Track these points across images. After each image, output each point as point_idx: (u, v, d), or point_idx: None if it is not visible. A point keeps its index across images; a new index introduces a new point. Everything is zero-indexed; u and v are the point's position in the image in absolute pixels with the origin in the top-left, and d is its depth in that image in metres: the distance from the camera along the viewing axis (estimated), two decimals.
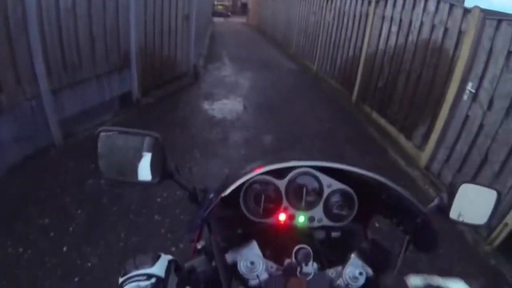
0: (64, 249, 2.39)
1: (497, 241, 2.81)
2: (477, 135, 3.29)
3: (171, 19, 6.01)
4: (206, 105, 5.87)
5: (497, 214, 0.90)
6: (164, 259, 0.73)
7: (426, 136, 4.25)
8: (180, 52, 6.62)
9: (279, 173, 0.93)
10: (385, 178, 0.87)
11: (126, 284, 0.66)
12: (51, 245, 2.41)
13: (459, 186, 0.88)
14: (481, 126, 3.23)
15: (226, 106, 5.95)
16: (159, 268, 0.69)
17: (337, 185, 0.94)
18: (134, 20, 4.69)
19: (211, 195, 0.87)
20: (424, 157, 4.23)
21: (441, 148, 3.92)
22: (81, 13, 3.66)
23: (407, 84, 4.85)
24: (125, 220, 2.75)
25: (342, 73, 7.62)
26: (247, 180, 0.90)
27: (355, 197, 0.95)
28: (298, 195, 0.93)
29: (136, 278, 0.67)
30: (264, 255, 0.82)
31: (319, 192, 0.94)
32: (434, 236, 0.84)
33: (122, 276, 0.68)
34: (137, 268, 0.69)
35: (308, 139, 5.01)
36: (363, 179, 0.89)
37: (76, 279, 2.17)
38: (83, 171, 3.19)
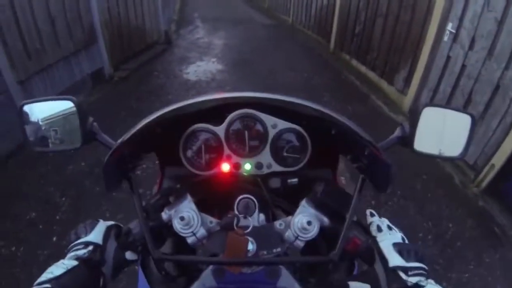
0: (54, 239, 2.39)
1: (484, 183, 2.85)
2: (459, 76, 3.25)
3: None
4: (180, 70, 5.78)
5: (471, 142, 0.78)
6: (102, 225, 0.73)
7: (408, 80, 4.23)
8: (149, 20, 6.34)
9: (218, 120, 0.83)
10: (331, 109, 0.76)
11: (66, 254, 0.67)
12: (41, 238, 2.40)
13: (422, 110, 0.76)
14: (463, 67, 3.19)
15: (200, 68, 5.88)
16: (96, 235, 0.69)
17: (283, 124, 0.82)
18: None
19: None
20: (407, 101, 4.23)
21: (423, 90, 3.91)
22: None
23: (385, 28, 4.77)
24: (108, 200, 2.73)
25: (318, 22, 7.49)
26: (185, 131, 0.82)
27: (306, 135, 0.84)
28: (240, 141, 0.83)
29: (75, 247, 0.67)
30: (206, 210, 0.75)
31: (263, 134, 0.83)
32: (387, 170, 0.72)
33: (66, 248, 0.69)
34: (77, 238, 0.69)
35: (286, 91, 4.93)
36: (310, 116, 0.77)
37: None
38: (62, 158, 3.15)
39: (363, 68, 5.54)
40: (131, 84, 5.04)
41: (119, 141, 0.73)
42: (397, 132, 0.81)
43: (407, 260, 0.64)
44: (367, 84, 5.19)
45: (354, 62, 5.85)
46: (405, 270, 0.63)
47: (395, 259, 0.65)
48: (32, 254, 2.27)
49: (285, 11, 9.71)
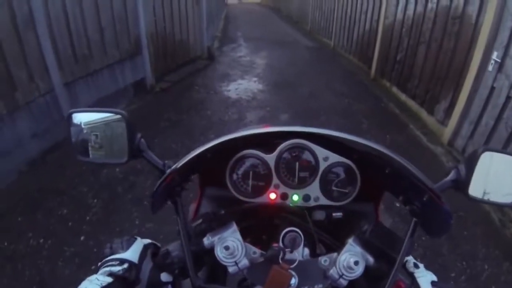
0: (82, 238, 2.45)
1: None
2: (503, 107, 3.09)
3: (181, 2, 5.95)
4: (221, 87, 5.85)
5: None
6: (139, 243, 0.71)
7: (449, 110, 4.06)
8: (193, 35, 6.58)
9: (269, 147, 0.81)
10: (387, 148, 0.73)
11: (100, 269, 0.65)
12: (69, 235, 2.47)
13: (481, 154, 0.71)
14: (508, 98, 3.03)
15: (241, 86, 5.93)
16: (132, 253, 0.68)
17: (334, 158, 0.80)
18: (142, 6, 4.64)
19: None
20: (447, 132, 4.05)
21: (465, 122, 3.74)
22: (87, 2, 3.63)
23: (427, 56, 4.65)
24: (139, 207, 2.78)
25: (359, 47, 7.46)
26: (234, 157, 0.81)
27: (356, 171, 0.81)
28: (290, 171, 0.81)
29: (110, 263, 0.65)
30: (248, 240, 0.73)
31: (314, 166, 0.80)
32: (445, 217, 0.68)
33: (99, 261, 0.67)
34: (112, 253, 0.68)
35: (326, 115, 4.93)
36: (364, 152, 0.75)
37: (93, 267, 2.20)
38: (91, 164, 3.24)
39: (403, 96, 5.42)
40: (171, 96, 5.17)
41: (173, 167, 0.73)
42: (452, 175, 0.76)
43: None
44: (406, 113, 5.06)
45: (395, 90, 5.74)
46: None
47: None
48: (59, 249, 2.34)
49: (327, 34, 9.76)
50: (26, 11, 2.85)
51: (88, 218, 2.64)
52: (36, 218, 2.57)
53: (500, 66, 3.16)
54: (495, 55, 3.20)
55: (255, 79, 6.37)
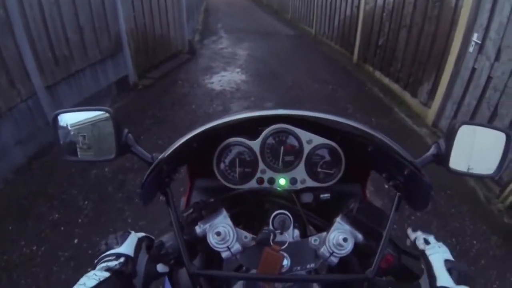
0: (75, 241, 2.44)
1: (510, 199, 2.74)
2: (485, 88, 3.16)
3: None
4: (204, 80, 5.83)
5: (507, 162, 0.76)
6: (134, 237, 0.73)
7: (432, 92, 4.15)
8: (173, 30, 6.49)
9: (253, 134, 0.83)
10: (368, 126, 0.75)
11: (97, 265, 0.67)
12: (62, 239, 2.45)
13: (458, 128, 0.74)
14: (489, 79, 3.10)
15: (224, 78, 5.92)
16: (127, 247, 0.69)
17: (318, 140, 0.83)
18: (120, 1, 4.55)
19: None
20: (431, 113, 4.14)
21: (448, 103, 3.82)
22: (65, 2, 3.53)
23: (409, 40, 4.70)
24: (131, 206, 2.78)
25: (341, 34, 7.47)
26: (220, 145, 0.83)
27: (340, 151, 0.84)
28: (275, 156, 0.84)
29: (106, 258, 0.67)
30: (240, 226, 0.75)
31: (298, 149, 0.84)
32: (426, 190, 0.71)
33: (96, 258, 0.69)
34: (108, 248, 0.69)
35: (311, 102, 4.97)
36: (346, 132, 0.78)
37: (89, 269, 2.19)
38: (79, 163, 3.22)
39: (386, 80, 5.48)
40: (155, 93, 5.12)
41: (160, 157, 0.74)
42: (432, 150, 0.79)
43: (456, 282, 0.62)
44: (390, 96, 5.13)
45: (378, 74, 5.79)
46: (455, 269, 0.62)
47: (443, 278, 0.63)
48: (53, 255, 2.32)
49: (308, 22, 9.74)
50: (1, 14, 2.77)
51: (80, 220, 2.62)
52: (27, 226, 2.54)
53: (481, 48, 3.23)
54: (475, 37, 3.27)
55: (237, 70, 6.36)
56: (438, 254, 0.67)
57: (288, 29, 10.41)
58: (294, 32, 9.93)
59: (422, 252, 0.70)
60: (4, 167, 2.92)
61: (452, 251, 0.70)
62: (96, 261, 0.68)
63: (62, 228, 2.55)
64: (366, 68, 6.23)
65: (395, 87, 5.18)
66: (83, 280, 0.61)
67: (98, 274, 0.63)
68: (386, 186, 2.85)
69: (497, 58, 3.00)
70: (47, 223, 2.58)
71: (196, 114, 4.45)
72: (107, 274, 0.63)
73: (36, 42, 3.16)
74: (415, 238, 0.74)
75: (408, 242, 0.78)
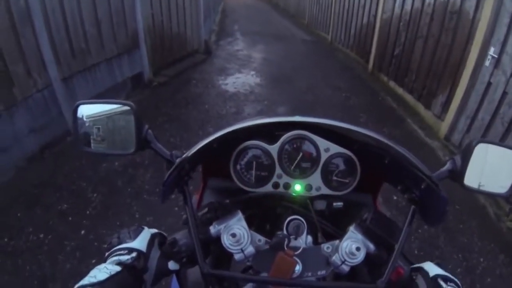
0: (82, 232, 2.47)
1: None
2: (500, 103, 3.12)
3: None
4: (218, 81, 5.85)
5: None
6: (147, 232, 0.72)
7: (446, 105, 4.09)
8: (190, 29, 6.54)
9: (271, 139, 0.84)
10: (387, 138, 0.76)
11: (108, 258, 0.66)
12: (70, 229, 2.48)
13: (475, 145, 0.74)
14: (504, 94, 3.06)
15: (239, 80, 5.93)
16: (140, 242, 0.69)
17: (335, 149, 0.84)
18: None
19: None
20: (443, 127, 4.09)
21: (461, 117, 3.77)
22: None
23: (425, 51, 4.67)
24: (139, 201, 2.81)
25: (357, 41, 7.45)
26: (238, 147, 0.84)
27: (356, 161, 0.85)
28: (292, 162, 0.85)
29: (118, 252, 0.66)
30: (253, 228, 0.75)
31: (316, 157, 0.84)
32: (442, 205, 0.70)
33: (107, 251, 0.68)
34: (120, 242, 0.69)
35: (323, 109, 4.96)
36: (364, 142, 0.79)
37: (93, 261, 2.22)
38: (97, 155, 3.24)
39: (400, 90, 5.44)
40: (169, 90, 5.15)
41: (184, 156, 0.74)
42: (448, 166, 0.79)
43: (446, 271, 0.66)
44: (403, 107, 5.09)
45: (392, 84, 5.76)
46: (445, 279, 0.64)
47: (434, 269, 0.66)
48: (59, 244, 2.35)
49: (324, 28, 9.74)
50: (22, 5, 2.82)
51: (88, 212, 2.65)
52: (35, 214, 2.58)
53: (497, 62, 3.18)
54: (492, 51, 3.23)
55: (252, 72, 6.37)
56: (430, 265, 0.70)
57: (304, 34, 10.41)
58: (310, 38, 9.93)
59: (419, 267, 0.70)
60: (17, 155, 2.97)
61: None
62: (107, 254, 0.68)
63: (70, 218, 2.58)
64: (381, 77, 6.20)
65: (409, 98, 5.14)
66: (93, 272, 0.61)
67: (109, 268, 0.62)
68: (395, 198, 2.83)
69: None
70: (55, 213, 2.61)
71: (209, 114, 4.47)
72: (118, 268, 0.62)
73: (54, 34, 3.21)
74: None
75: None
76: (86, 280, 0.59)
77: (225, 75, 6.11)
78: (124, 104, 0.79)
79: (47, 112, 3.26)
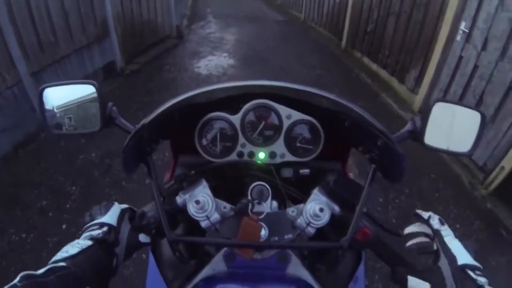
0: (64, 226, 2.45)
1: (493, 185, 2.81)
2: (471, 76, 3.20)
3: None
4: (191, 64, 5.81)
5: (481, 140, 0.78)
6: (117, 207, 0.74)
7: (419, 79, 4.19)
8: (161, 14, 6.38)
9: (234, 109, 0.85)
10: (345, 99, 0.77)
11: (81, 235, 0.68)
12: (51, 225, 2.46)
13: (433, 105, 0.77)
14: (475, 67, 3.14)
15: (211, 63, 5.89)
16: (110, 217, 0.71)
17: (297, 115, 0.85)
18: None
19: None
20: (417, 100, 4.19)
21: (434, 90, 3.86)
22: None
23: (398, 27, 4.72)
24: (117, 189, 2.80)
25: (330, 19, 7.46)
26: (202, 119, 0.85)
27: (319, 127, 0.86)
28: (255, 130, 0.86)
29: (90, 228, 0.68)
30: (219, 196, 0.76)
31: (278, 124, 0.86)
32: (399, 161, 0.71)
33: (81, 229, 0.70)
34: (92, 219, 0.70)
35: None
36: (324, 108, 0.79)
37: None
38: (73, 148, 3.23)
39: (374, 66, 5.51)
40: (142, 78, 5.07)
41: (141, 123, 0.73)
42: (408, 126, 0.81)
43: (474, 259, 0.63)
44: (378, 82, 5.16)
45: (366, 60, 5.82)
46: (473, 269, 0.61)
47: (463, 256, 0.63)
48: (42, 241, 2.33)
49: (297, 7, 9.68)
50: None
51: (68, 206, 2.63)
52: (15, 214, 2.53)
53: (468, 36, 3.25)
54: (463, 26, 3.29)
55: (225, 54, 6.33)
56: (452, 235, 0.69)
57: (278, 14, 10.33)
58: (283, 18, 9.87)
59: (437, 232, 0.70)
60: None
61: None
62: (81, 232, 0.69)
63: (50, 214, 2.55)
64: (354, 54, 6.25)
65: (383, 73, 5.22)
66: (66, 248, 0.63)
67: (81, 243, 0.64)
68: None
69: (484, 47, 3.03)
70: (35, 210, 2.57)
71: None
72: (90, 243, 0.64)
73: (20, 29, 3.07)
74: (429, 217, 0.74)
75: (415, 222, 0.78)
76: (58, 256, 0.61)
77: (198, 58, 6.06)
78: (87, 83, 0.80)
79: (19, 109, 3.15)
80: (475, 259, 0.63)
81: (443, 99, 0.78)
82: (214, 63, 5.88)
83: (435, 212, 0.76)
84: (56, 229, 2.42)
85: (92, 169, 3.02)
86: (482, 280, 0.58)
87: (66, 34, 3.79)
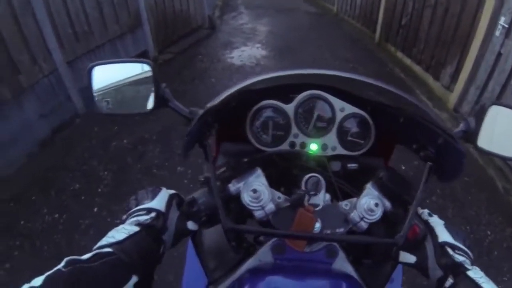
0: (95, 209, 2.54)
1: None
2: (510, 73, 3.04)
3: None
4: (224, 55, 5.82)
5: None
6: (165, 193, 0.72)
7: (455, 76, 4.02)
8: (193, 5, 6.43)
9: (286, 99, 0.84)
10: (405, 93, 0.74)
11: (126, 220, 0.66)
12: (83, 208, 2.55)
13: (489, 107, 0.74)
14: None
15: (244, 53, 5.89)
16: (159, 202, 0.68)
17: (350, 109, 0.84)
18: None
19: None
20: (452, 98, 4.03)
21: (471, 88, 3.70)
22: None
23: (433, 20, 4.55)
24: (149, 176, 2.87)
25: (363, 12, 7.29)
26: (253, 107, 0.83)
27: (371, 122, 0.85)
28: (308, 121, 0.85)
29: (137, 213, 0.66)
30: (272, 186, 0.74)
31: (331, 117, 0.84)
32: (459, 158, 0.70)
33: (126, 213, 0.68)
34: (138, 204, 0.68)
35: None
36: (378, 102, 0.79)
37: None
38: (107, 134, 3.34)
39: (408, 61, 5.35)
40: (175, 67, 5.12)
41: (208, 107, 0.73)
42: (462, 126, 0.78)
43: (454, 239, 0.66)
44: (412, 78, 5.00)
45: (400, 55, 5.65)
46: (453, 247, 0.65)
47: (444, 236, 0.67)
48: (74, 223, 2.43)
49: (330, 0, 9.50)
50: None
51: (99, 190, 2.72)
52: (49, 196, 2.65)
53: (508, 32, 3.09)
54: (502, 21, 3.12)
55: (257, 45, 6.31)
56: (439, 221, 0.72)
57: (309, 6, 10.16)
58: (315, 10, 9.71)
59: (426, 221, 0.73)
60: (28, 141, 3.01)
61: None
62: (125, 216, 0.67)
63: (82, 198, 2.65)
64: (388, 48, 6.08)
65: (417, 68, 5.05)
66: (112, 233, 0.60)
67: (127, 228, 0.62)
68: (403, 168, 2.85)
69: None
70: (69, 193, 2.68)
71: (216, 88, 4.44)
72: (136, 228, 0.62)
73: (56, 20, 3.19)
74: (421, 213, 0.76)
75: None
76: (104, 241, 0.59)
77: (231, 49, 6.06)
78: (141, 62, 0.77)
79: (55, 96, 3.28)
80: (467, 247, 0.66)
81: (500, 102, 0.76)
82: (247, 53, 5.87)
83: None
84: (88, 212, 2.51)
85: (124, 155, 3.10)
86: (459, 258, 0.63)
87: (100, 25, 3.90)
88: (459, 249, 0.65)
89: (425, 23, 4.77)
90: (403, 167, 2.85)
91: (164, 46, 5.48)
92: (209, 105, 0.73)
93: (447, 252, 0.64)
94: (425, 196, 2.69)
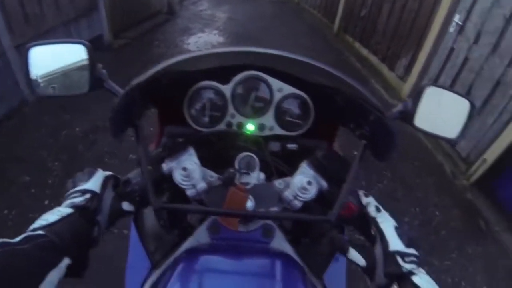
0: (46, 202, 2.42)
1: (475, 176, 2.86)
2: (461, 69, 3.23)
3: None
4: (181, 41, 5.74)
5: (467, 128, 0.80)
6: (101, 174, 0.72)
7: (409, 68, 4.20)
8: None
9: (225, 80, 0.83)
10: (338, 71, 0.75)
11: (63, 202, 0.65)
12: (33, 201, 2.43)
13: (425, 88, 0.78)
14: (466, 60, 3.17)
15: (201, 40, 5.85)
16: (94, 183, 0.68)
17: (288, 89, 0.84)
18: None
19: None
20: (406, 88, 4.21)
21: (424, 80, 3.88)
22: None
23: (391, 14, 4.70)
24: (100, 164, 2.73)
25: (324, 2, 7.36)
26: (191, 88, 0.83)
27: (309, 102, 0.85)
28: (245, 101, 0.85)
29: (72, 195, 0.66)
30: (208, 166, 0.76)
31: (269, 97, 0.84)
32: (390, 138, 0.71)
33: (63, 196, 0.67)
34: (74, 186, 0.68)
35: None
36: (316, 83, 0.79)
37: None
38: (57, 123, 3.18)
39: (365, 52, 5.50)
40: (130, 53, 4.96)
41: (132, 83, 0.71)
42: (399, 107, 0.81)
43: (406, 246, 0.65)
44: (367, 68, 5.15)
45: (357, 45, 5.80)
46: (403, 255, 0.64)
47: (395, 243, 0.66)
48: (24, 217, 2.30)
49: None
50: None
51: (50, 181, 2.59)
52: None
53: (461, 29, 3.26)
54: (457, 18, 3.29)
55: (215, 32, 6.27)
56: (388, 222, 0.69)
57: None
58: None
59: (373, 219, 0.71)
60: None
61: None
62: (63, 199, 0.67)
63: (33, 190, 2.51)
64: (346, 38, 6.22)
65: (373, 58, 5.21)
66: (45, 216, 0.60)
67: (61, 210, 0.61)
68: (380, 185, 2.93)
69: (476, 41, 3.04)
70: (18, 186, 2.53)
71: None
72: (70, 210, 0.62)
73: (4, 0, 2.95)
74: (367, 204, 0.74)
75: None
76: (37, 224, 0.58)
77: (188, 35, 5.99)
78: (77, 43, 0.76)
79: (2, 83, 3.05)
80: (409, 245, 0.65)
81: (436, 84, 0.79)
82: (204, 40, 5.82)
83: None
84: (39, 205, 2.38)
85: (75, 144, 2.97)
86: (408, 266, 0.62)
87: (52, 7, 3.65)
88: (409, 255, 0.64)
89: (383, 16, 4.91)
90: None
91: (120, 30, 5.25)
92: (134, 81, 0.72)
93: (397, 262, 0.63)
94: (375, 179, 2.83)
